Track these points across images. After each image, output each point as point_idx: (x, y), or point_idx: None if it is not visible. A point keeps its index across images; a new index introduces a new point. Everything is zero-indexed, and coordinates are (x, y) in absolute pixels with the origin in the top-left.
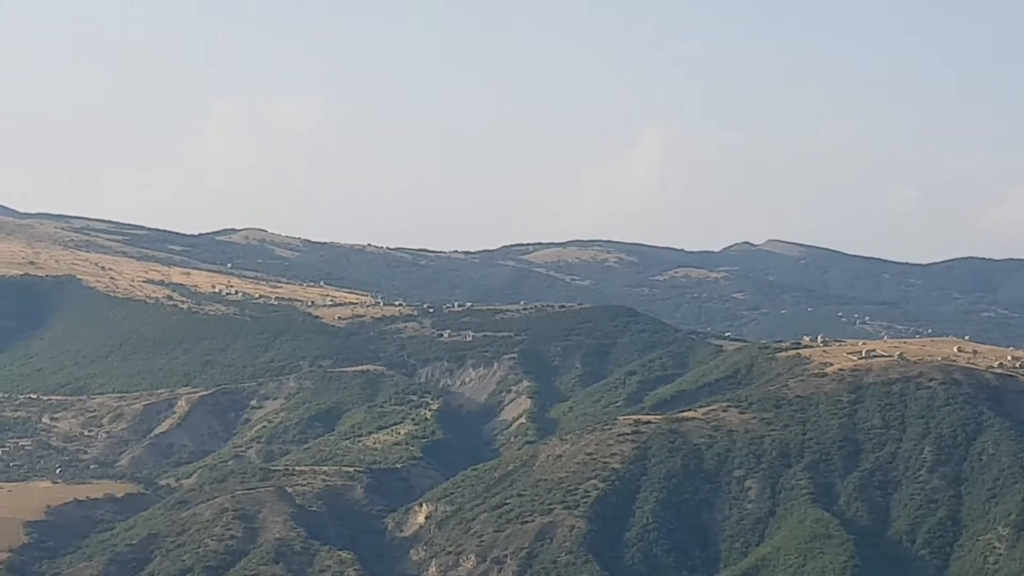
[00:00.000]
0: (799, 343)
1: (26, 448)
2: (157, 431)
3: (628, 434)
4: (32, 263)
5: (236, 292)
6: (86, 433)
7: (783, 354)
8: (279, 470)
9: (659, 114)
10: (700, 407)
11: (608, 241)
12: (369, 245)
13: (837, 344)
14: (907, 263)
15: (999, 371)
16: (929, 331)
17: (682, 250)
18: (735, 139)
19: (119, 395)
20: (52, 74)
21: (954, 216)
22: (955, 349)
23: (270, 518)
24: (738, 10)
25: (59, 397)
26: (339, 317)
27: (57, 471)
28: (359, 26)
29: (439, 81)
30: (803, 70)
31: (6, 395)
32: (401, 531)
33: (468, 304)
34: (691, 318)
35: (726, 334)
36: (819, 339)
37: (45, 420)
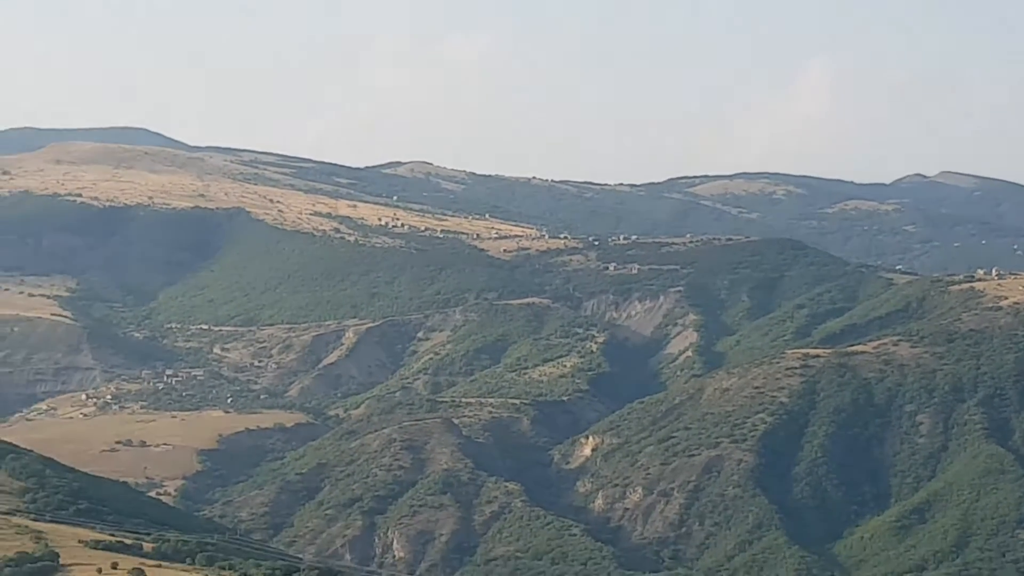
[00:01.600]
0: (973, 276)
1: (199, 378)
2: (325, 362)
3: (796, 368)
4: (202, 196)
5: (402, 225)
6: (256, 364)
7: (956, 287)
8: (446, 402)
9: (829, 46)
10: (870, 341)
11: (775, 173)
12: (534, 178)
13: (1012, 277)
14: None
15: None
16: None
17: (852, 182)
18: (906, 72)
19: (288, 326)
20: (221, 11)
21: None
22: None
23: (437, 449)
24: None
25: (230, 328)
26: (504, 250)
27: (228, 400)
28: None
29: (604, 16)
30: (976, 5)
31: (179, 326)
32: (567, 463)
33: (633, 237)
34: (861, 251)
35: (897, 267)
36: (993, 272)
37: (216, 350)
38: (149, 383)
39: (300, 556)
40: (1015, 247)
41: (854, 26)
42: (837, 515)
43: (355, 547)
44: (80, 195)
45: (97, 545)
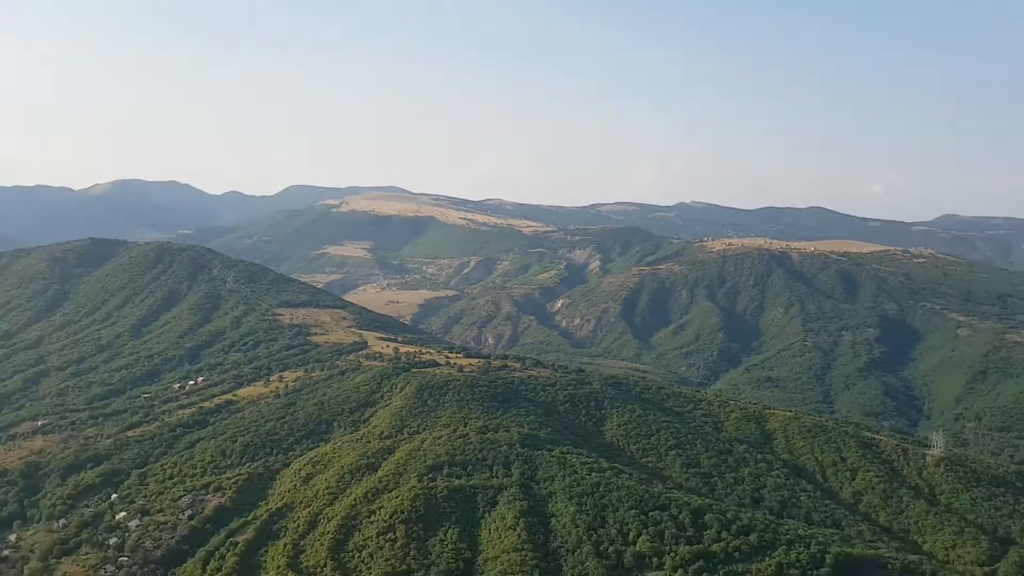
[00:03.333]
0: (703, 239)
1: (416, 278)
2: (462, 273)
3: (635, 274)
4: (418, 212)
5: (491, 223)
6: (436, 272)
7: (696, 243)
8: (508, 286)
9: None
10: (663, 263)
11: (631, 202)
12: (540, 204)
13: (716, 240)
14: (735, 208)
15: (782, 250)
16: (755, 233)
17: (658, 205)
18: (686, 160)
19: (448, 259)
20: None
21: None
22: (763, 241)
23: (503, 304)
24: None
25: (428, 259)
26: (530, 231)
27: (427, 287)
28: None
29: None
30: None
31: (410, 259)
32: (553, 309)
33: (576, 226)
34: (660, 231)
35: (674, 238)
36: (711, 238)
37: (423, 268)
38: (399, 279)
39: (454, 342)
40: (721, 231)
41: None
42: (651, 329)
43: (475, 340)
44: (374, 211)
45: (381, 338)
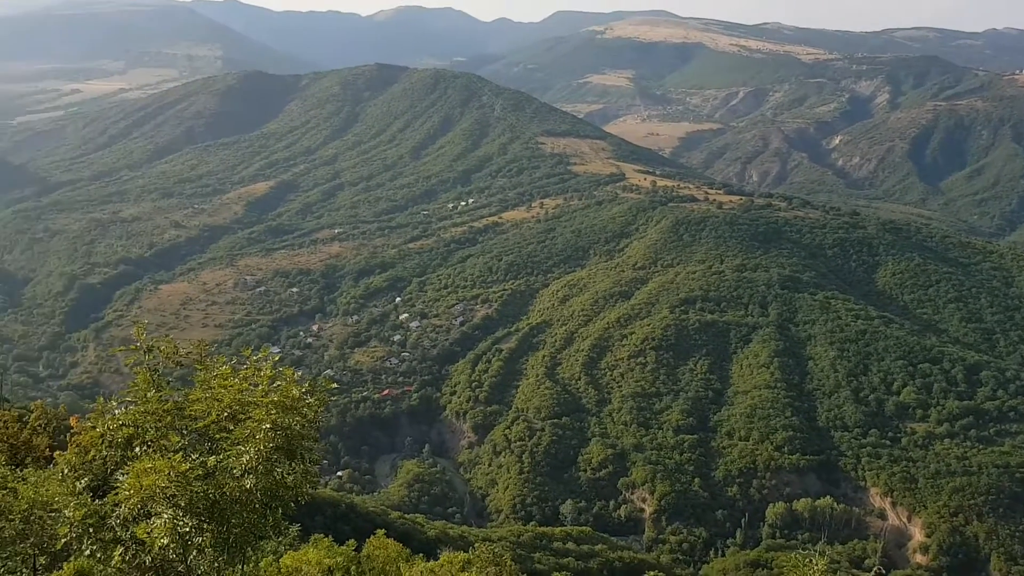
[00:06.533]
0: (1015, 72)
1: (678, 109)
2: (729, 104)
3: (930, 110)
4: (685, 38)
5: (765, 50)
6: (701, 103)
7: (1007, 76)
8: (779, 119)
9: None
10: (963, 98)
11: (931, 27)
12: (825, 28)
13: None
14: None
15: None
16: None
17: (962, 31)
18: None
19: (715, 88)
20: None
21: None
22: None
23: (775, 140)
24: None
25: (692, 90)
26: (810, 59)
27: (690, 119)
28: None
29: None
30: None
31: (685, 90)
32: (829, 146)
33: (864, 54)
34: (964, 61)
35: (980, 69)
36: None
37: (686, 99)
38: (660, 111)
39: (714, 178)
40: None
41: None
42: (942, 172)
43: (738, 176)
44: (638, 37)
45: (639, 171)
